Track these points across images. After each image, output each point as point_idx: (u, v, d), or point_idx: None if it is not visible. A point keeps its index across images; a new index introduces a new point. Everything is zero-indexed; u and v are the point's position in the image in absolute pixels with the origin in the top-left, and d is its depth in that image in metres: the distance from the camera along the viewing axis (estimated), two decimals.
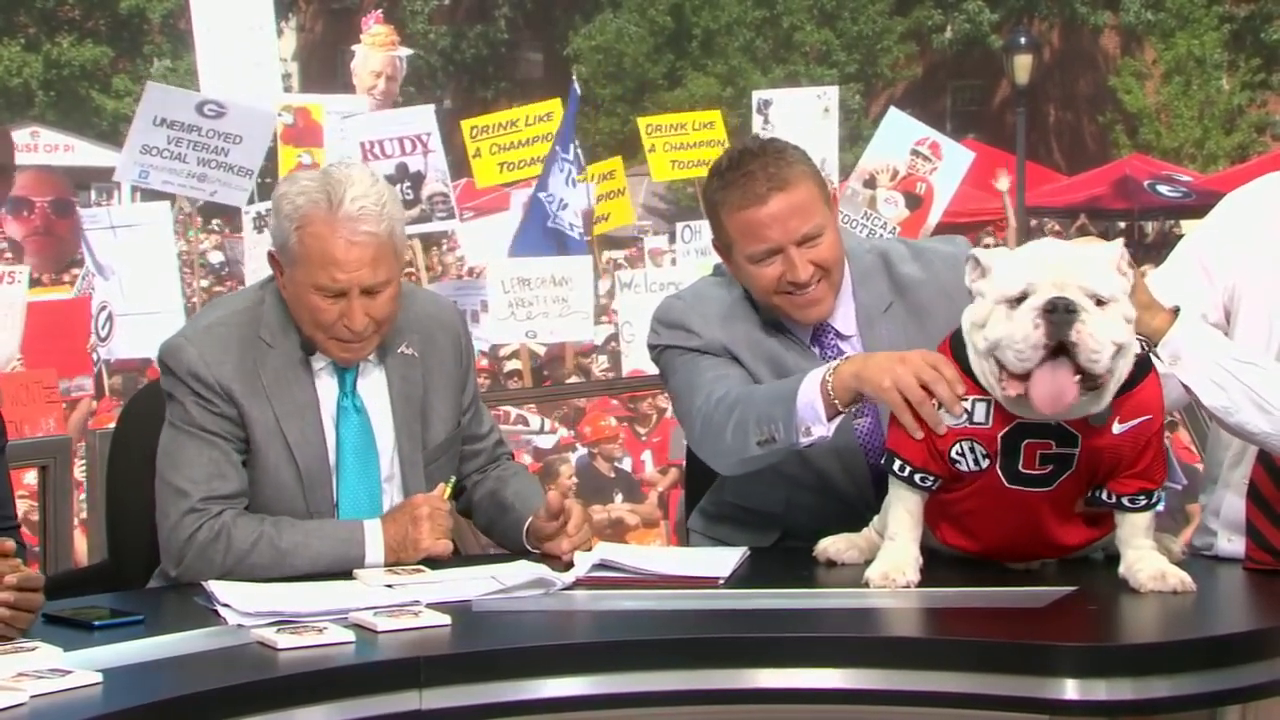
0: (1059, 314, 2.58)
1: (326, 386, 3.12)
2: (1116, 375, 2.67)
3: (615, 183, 12.39)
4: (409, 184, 10.27)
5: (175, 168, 8.78)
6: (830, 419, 2.90)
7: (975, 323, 2.70)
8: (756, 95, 12.77)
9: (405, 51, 13.10)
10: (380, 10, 13.36)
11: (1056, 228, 21.24)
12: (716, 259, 3.32)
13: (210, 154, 8.77)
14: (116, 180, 10.18)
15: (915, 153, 10.27)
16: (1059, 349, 2.59)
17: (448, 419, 3.22)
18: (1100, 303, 2.62)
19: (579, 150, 10.76)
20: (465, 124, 11.06)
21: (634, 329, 10.14)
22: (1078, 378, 2.61)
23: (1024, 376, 2.63)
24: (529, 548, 3.16)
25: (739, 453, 3.03)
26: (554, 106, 11.43)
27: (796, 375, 2.99)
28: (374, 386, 3.15)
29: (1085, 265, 2.64)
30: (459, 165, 11.10)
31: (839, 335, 3.21)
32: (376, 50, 12.71)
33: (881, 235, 9.24)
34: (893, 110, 11.07)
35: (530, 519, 3.17)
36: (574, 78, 12.48)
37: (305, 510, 3.06)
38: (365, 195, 3.00)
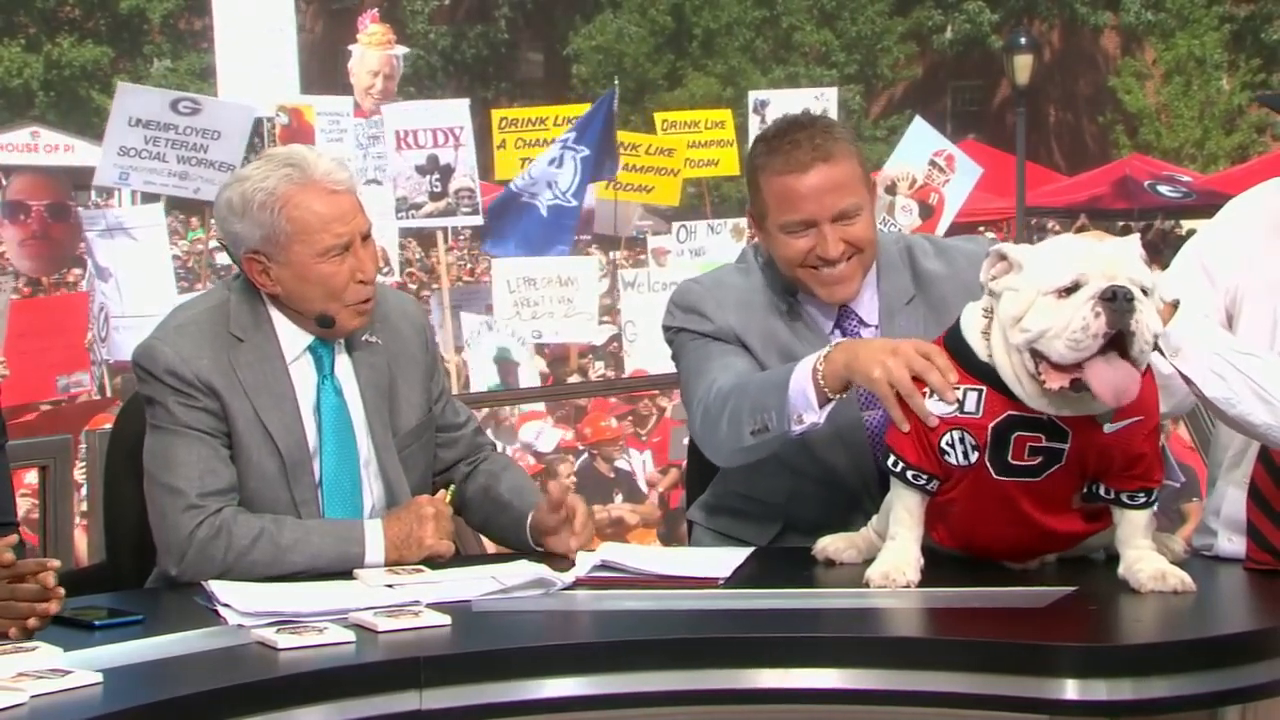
0: (1119, 302, 2.57)
1: (303, 374, 3.13)
2: (1144, 369, 2.67)
3: (725, 133, 12.55)
4: (438, 176, 10.29)
5: (155, 167, 8.79)
6: (821, 406, 2.90)
7: (1011, 316, 2.67)
8: (754, 96, 12.85)
9: (402, 50, 13.12)
10: (376, 10, 13.36)
11: (1057, 228, 21.24)
12: (711, 260, 3.35)
13: (190, 151, 8.78)
14: (95, 184, 10.17)
15: (932, 163, 10.39)
16: (1109, 341, 2.59)
17: (418, 405, 3.23)
18: (1145, 292, 2.62)
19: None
20: (495, 114, 11.20)
21: (636, 329, 10.15)
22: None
23: (1067, 369, 2.62)
24: (533, 544, 3.17)
25: (734, 443, 3.03)
26: (582, 110, 11.50)
27: (790, 363, 2.98)
28: (344, 372, 3.17)
29: (1126, 256, 2.65)
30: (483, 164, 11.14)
31: (862, 322, 3.22)
32: (373, 49, 12.73)
33: None
34: (918, 120, 11.17)
35: (532, 514, 3.17)
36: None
37: (290, 500, 3.07)
38: (321, 155, 3.12)
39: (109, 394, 9.68)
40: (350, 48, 13.03)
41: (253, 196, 3.05)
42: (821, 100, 12.56)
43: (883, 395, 2.78)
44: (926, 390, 2.75)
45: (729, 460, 3.13)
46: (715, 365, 3.14)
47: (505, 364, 10.27)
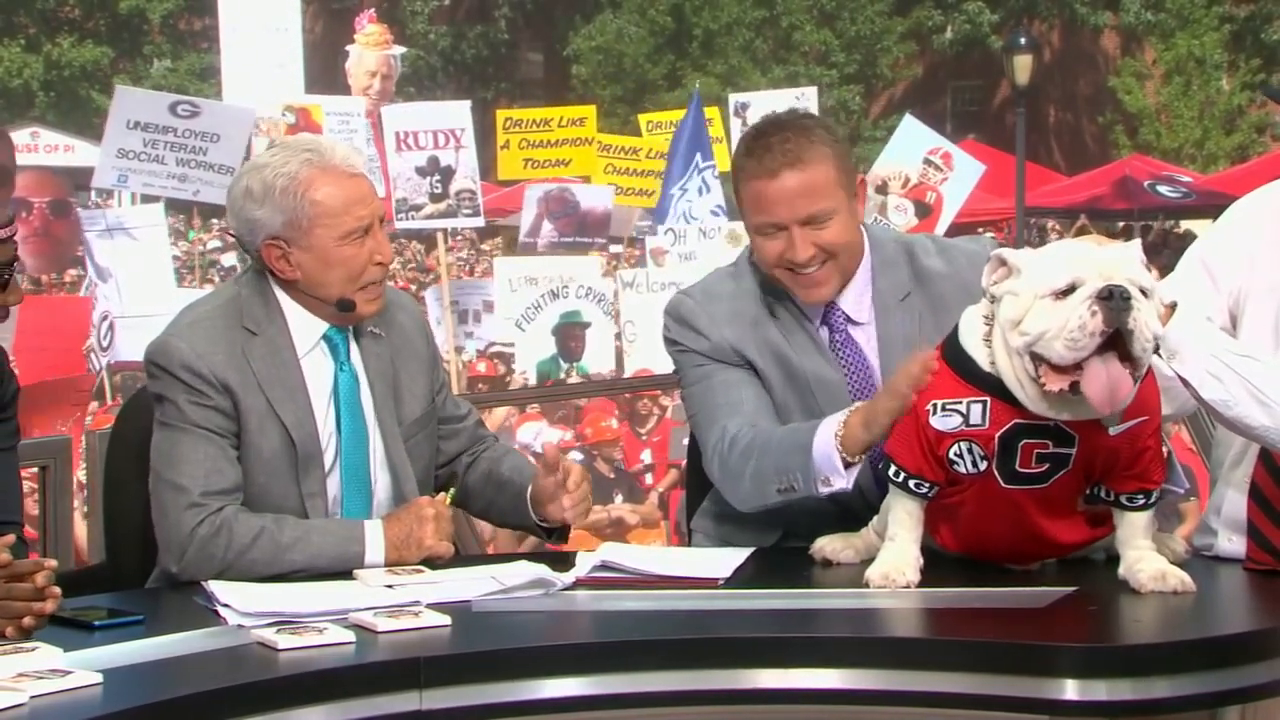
0: (1116, 301, 2.57)
1: (317, 366, 3.14)
2: (1145, 370, 2.67)
3: (714, 130, 12.63)
4: (438, 178, 10.29)
5: (154, 170, 8.79)
6: (847, 469, 2.95)
7: (1011, 319, 2.68)
8: (734, 99, 12.85)
9: (399, 50, 13.11)
10: (373, 10, 13.37)
11: (1057, 229, 21.24)
12: (703, 265, 3.37)
13: (189, 154, 8.78)
14: (94, 186, 10.15)
15: (928, 161, 10.33)
16: (1105, 342, 2.59)
17: (421, 396, 3.25)
18: (1144, 293, 2.62)
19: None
20: (500, 114, 11.19)
21: (635, 328, 10.13)
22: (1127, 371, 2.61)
23: (1066, 371, 2.62)
24: (535, 518, 3.19)
25: (759, 499, 3.09)
26: (588, 112, 11.51)
27: (809, 425, 3.02)
28: (355, 361, 3.18)
29: (1124, 258, 2.65)
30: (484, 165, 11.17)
31: (849, 319, 3.23)
32: (371, 50, 12.73)
33: None
34: (908, 117, 11.09)
35: (530, 485, 3.19)
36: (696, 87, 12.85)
37: (298, 494, 3.07)
38: (336, 142, 3.17)
39: (108, 397, 9.67)
40: (348, 48, 13.03)
41: (274, 182, 3.06)
42: (802, 100, 12.54)
43: (905, 401, 2.82)
44: (929, 408, 2.77)
45: (752, 510, 3.17)
46: (722, 404, 3.17)
47: (570, 329, 10.24)
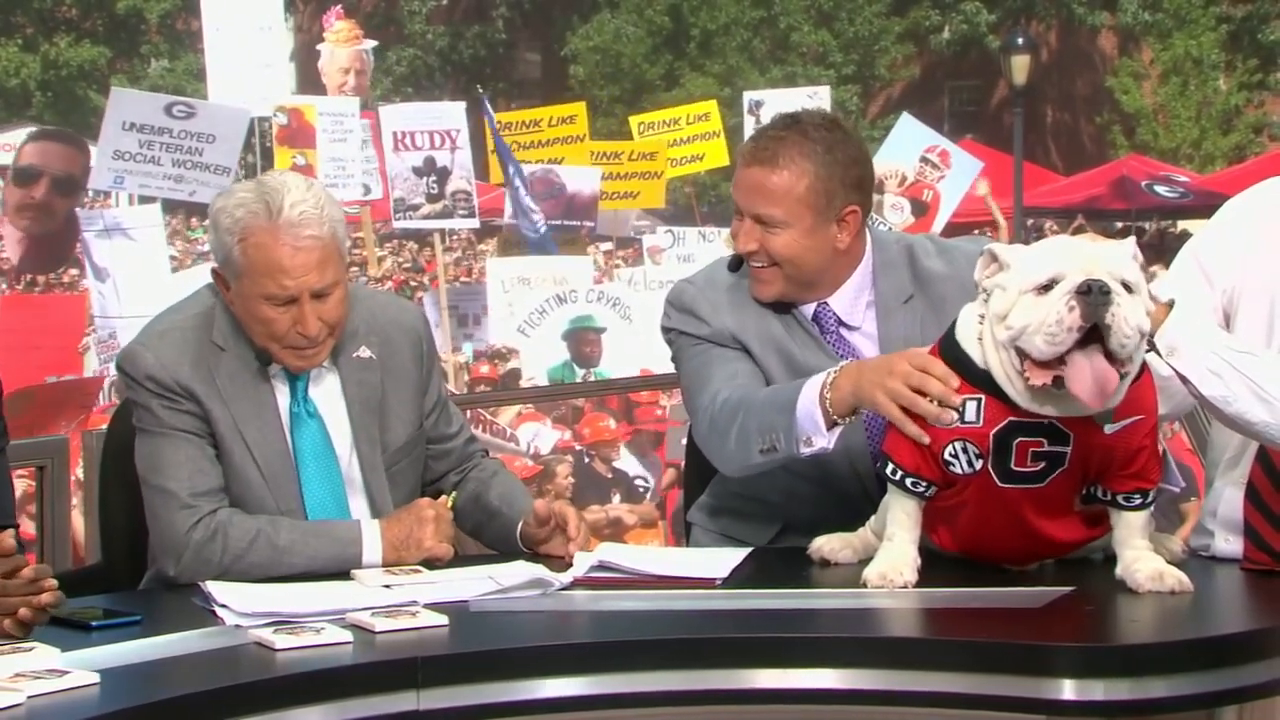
0: (1094, 295, 2.57)
1: (280, 393, 3.11)
2: (1134, 367, 2.67)
3: (711, 124, 12.48)
4: (434, 178, 10.27)
5: (150, 171, 8.78)
6: (830, 429, 2.91)
7: (997, 314, 2.68)
8: (748, 96, 12.83)
9: (370, 44, 13.10)
10: (340, 6, 13.31)
11: (1055, 228, 21.23)
12: (698, 264, 3.38)
13: (185, 155, 8.78)
14: (90, 188, 10.14)
15: (925, 160, 10.32)
16: (1088, 337, 2.59)
17: (409, 421, 3.21)
18: (1128, 289, 2.62)
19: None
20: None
21: (634, 327, 10.12)
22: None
23: (1049, 365, 2.62)
24: (524, 549, 3.17)
25: (743, 460, 3.05)
26: (578, 110, 11.49)
27: (796, 383, 2.99)
28: (328, 391, 3.14)
29: (1110, 254, 2.65)
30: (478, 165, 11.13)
31: (841, 323, 3.23)
32: (342, 46, 12.71)
33: None
34: (905, 116, 11.09)
35: (521, 524, 3.17)
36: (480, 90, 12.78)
37: (275, 509, 3.06)
38: (303, 200, 2.98)
39: (105, 397, 9.66)
40: (319, 47, 13.01)
41: (219, 219, 3.02)
42: (815, 99, 12.55)
43: (894, 418, 2.78)
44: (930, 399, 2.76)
45: (737, 473, 3.15)
46: (717, 373, 3.16)
47: (583, 335, 10.16)
